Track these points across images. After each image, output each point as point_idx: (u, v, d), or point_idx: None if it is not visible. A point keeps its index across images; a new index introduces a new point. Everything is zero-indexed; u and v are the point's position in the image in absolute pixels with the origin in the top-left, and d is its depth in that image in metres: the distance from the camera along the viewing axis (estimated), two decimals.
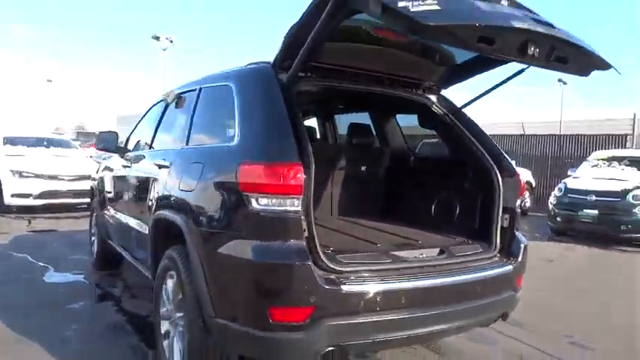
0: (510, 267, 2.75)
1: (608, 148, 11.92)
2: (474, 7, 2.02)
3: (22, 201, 8.91)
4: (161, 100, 4.11)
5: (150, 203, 3.20)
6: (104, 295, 4.54)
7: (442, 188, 3.30)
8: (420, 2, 1.83)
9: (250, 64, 2.87)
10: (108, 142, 4.47)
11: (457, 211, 3.14)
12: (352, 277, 2.22)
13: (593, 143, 13.15)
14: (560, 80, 26.65)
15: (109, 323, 3.77)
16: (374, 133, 4.02)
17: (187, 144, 3.07)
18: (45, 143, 10.68)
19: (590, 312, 4.61)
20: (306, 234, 2.18)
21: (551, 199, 9.38)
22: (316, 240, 2.20)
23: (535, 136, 14.95)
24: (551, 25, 2.18)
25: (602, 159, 9.79)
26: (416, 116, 3.60)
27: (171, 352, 2.77)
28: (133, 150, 4.38)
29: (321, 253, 2.20)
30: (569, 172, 10.20)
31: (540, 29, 2.10)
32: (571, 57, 2.34)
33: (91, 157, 11.99)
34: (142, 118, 4.51)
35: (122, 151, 4.47)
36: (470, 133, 3.10)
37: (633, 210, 8.32)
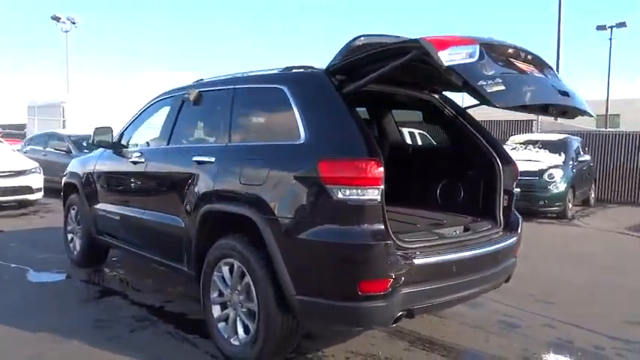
0: (515, 239, 3.34)
1: (517, 133, 13.29)
2: (526, 86, 2.58)
3: None
4: (167, 98, 4.17)
5: (191, 198, 3.33)
6: (105, 290, 4.53)
7: (451, 176, 3.77)
8: (492, 82, 2.35)
9: (294, 67, 3.14)
10: (104, 137, 4.46)
11: (466, 195, 3.65)
12: (417, 253, 2.64)
13: (505, 127, 14.56)
14: None
15: (134, 315, 3.83)
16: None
17: (230, 141, 3.26)
18: None
19: (539, 275, 5.46)
20: (382, 218, 2.57)
21: None
22: (388, 223, 2.59)
23: None
24: (567, 94, 2.82)
25: (520, 142, 11.01)
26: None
27: (233, 332, 3.02)
28: (133, 145, 4.41)
29: (392, 234, 2.60)
30: None
31: (561, 101, 2.79)
32: (570, 111, 3.15)
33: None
34: (140, 114, 4.50)
35: (119, 146, 4.48)
36: (472, 128, 3.62)
37: (548, 187, 9.58)
